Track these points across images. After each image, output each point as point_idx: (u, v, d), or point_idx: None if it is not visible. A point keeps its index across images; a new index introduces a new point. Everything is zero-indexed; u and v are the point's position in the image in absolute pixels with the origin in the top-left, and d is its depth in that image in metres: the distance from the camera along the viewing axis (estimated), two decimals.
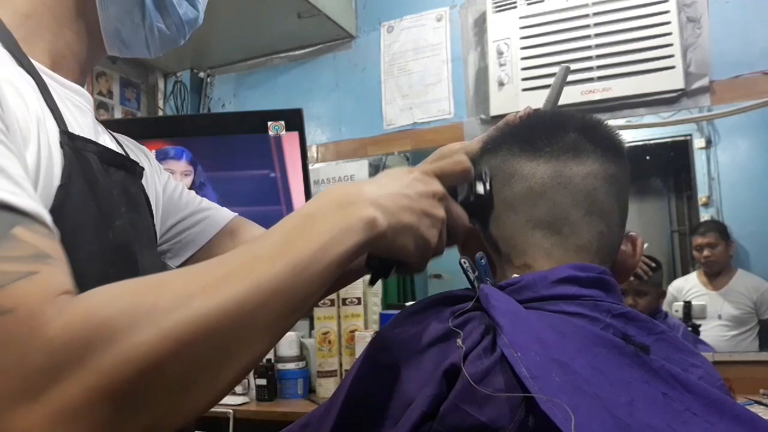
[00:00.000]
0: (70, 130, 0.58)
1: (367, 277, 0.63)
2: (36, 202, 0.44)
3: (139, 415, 0.38)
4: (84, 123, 0.63)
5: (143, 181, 0.73)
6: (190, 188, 0.87)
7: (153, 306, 0.39)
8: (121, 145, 0.73)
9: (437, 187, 0.56)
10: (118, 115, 2.24)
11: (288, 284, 0.44)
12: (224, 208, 0.87)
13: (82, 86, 0.67)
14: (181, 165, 1.96)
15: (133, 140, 0.80)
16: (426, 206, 0.54)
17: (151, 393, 0.38)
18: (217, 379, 0.42)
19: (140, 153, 0.79)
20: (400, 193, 0.52)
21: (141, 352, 0.37)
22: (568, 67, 0.87)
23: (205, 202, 0.85)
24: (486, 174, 0.64)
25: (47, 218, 0.44)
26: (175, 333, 0.38)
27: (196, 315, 0.40)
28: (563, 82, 0.86)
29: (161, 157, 1.97)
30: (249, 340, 0.43)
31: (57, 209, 0.53)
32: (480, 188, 0.63)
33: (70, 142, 0.57)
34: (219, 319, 0.40)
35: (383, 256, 0.55)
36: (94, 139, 0.63)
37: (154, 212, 0.75)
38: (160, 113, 2.44)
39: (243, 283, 0.42)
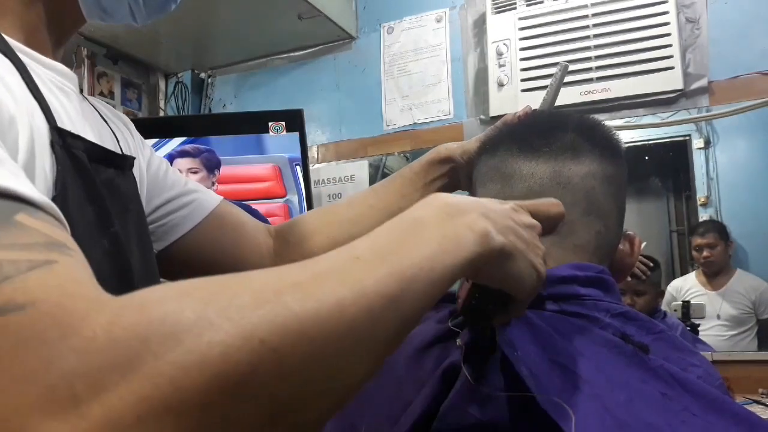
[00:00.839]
0: (59, 124, 0.53)
1: None
2: (41, 194, 0.37)
3: None
4: (71, 109, 0.58)
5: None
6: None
7: (230, 301, 0.30)
8: (105, 121, 0.69)
9: (535, 222, 0.50)
10: None
11: (395, 292, 0.35)
12: (210, 191, 0.82)
13: (62, 60, 0.61)
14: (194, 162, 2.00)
15: (112, 109, 0.75)
16: (530, 237, 0.47)
17: (226, 408, 0.28)
18: (312, 405, 0.32)
19: (122, 125, 0.73)
20: (506, 214, 0.46)
21: (216, 354, 0.28)
22: (566, 66, 0.87)
23: (192, 184, 0.80)
24: None
25: (56, 210, 0.37)
26: (260, 333, 0.29)
27: (288, 315, 0.30)
28: (561, 81, 0.86)
29: (179, 154, 2.01)
30: (351, 355, 0.33)
31: None
32: None
33: (61, 140, 0.52)
34: (316, 323, 0.31)
35: (491, 286, 0.47)
36: (81, 128, 0.58)
37: (141, 195, 0.70)
38: (162, 114, 2.45)
39: (343, 283, 0.34)
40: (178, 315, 0.29)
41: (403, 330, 0.37)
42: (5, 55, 0.51)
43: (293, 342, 0.30)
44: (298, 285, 0.32)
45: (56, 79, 0.58)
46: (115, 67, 2.27)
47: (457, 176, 0.83)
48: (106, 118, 0.69)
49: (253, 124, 2.00)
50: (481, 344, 0.51)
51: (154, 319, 0.29)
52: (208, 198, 0.80)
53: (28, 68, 0.53)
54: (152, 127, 2.10)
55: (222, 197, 0.82)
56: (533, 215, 0.50)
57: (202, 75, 2.50)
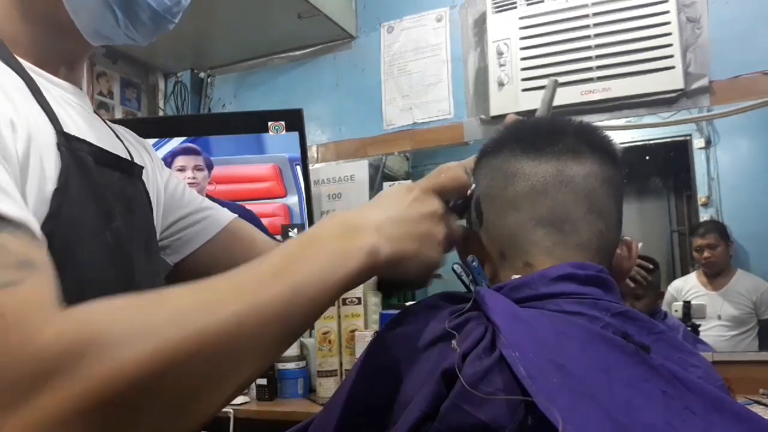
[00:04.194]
0: (66, 130, 0.57)
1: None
2: (23, 210, 0.43)
3: (125, 430, 0.37)
4: (80, 122, 0.62)
5: (144, 177, 0.72)
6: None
7: (148, 320, 0.39)
8: (120, 140, 0.72)
9: (437, 206, 0.57)
10: (118, 115, 2.24)
11: (286, 306, 0.43)
12: (225, 208, 0.86)
13: (76, 82, 0.66)
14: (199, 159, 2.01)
15: (133, 133, 0.79)
16: (427, 228, 0.55)
17: (139, 409, 0.38)
18: (209, 398, 0.41)
19: (141, 148, 0.78)
20: (402, 217, 0.53)
21: (132, 367, 0.36)
22: (556, 81, 0.87)
23: (207, 202, 0.85)
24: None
25: (34, 226, 0.44)
26: (168, 349, 0.38)
27: (192, 332, 0.39)
28: (553, 96, 0.86)
29: (184, 151, 2.01)
30: (244, 360, 0.42)
31: (55, 213, 0.52)
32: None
33: (67, 143, 0.56)
34: (215, 338, 0.40)
35: (385, 277, 0.55)
36: (90, 137, 0.62)
37: (154, 209, 0.75)
38: (161, 113, 2.44)
39: (241, 302, 0.42)
40: (106, 332, 0.37)
41: (292, 335, 0.45)
42: (17, 72, 0.56)
43: (197, 355, 0.39)
44: (203, 307, 0.41)
45: (66, 96, 0.63)
46: (115, 66, 2.27)
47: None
48: (120, 136, 0.73)
49: (253, 123, 2.00)
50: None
51: (87, 335, 0.37)
52: (221, 215, 0.84)
53: (40, 87, 0.57)
54: (151, 127, 2.10)
55: (236, 215, 0.86)
56: (439, 194, 0.58)
57: (202, 74, 2.50)
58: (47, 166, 0.53)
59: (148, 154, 0.79)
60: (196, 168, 1.99)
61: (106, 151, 0.64)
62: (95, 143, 0.62)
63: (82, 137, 0.59)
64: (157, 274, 0.72)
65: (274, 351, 0.45)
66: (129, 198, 0.66)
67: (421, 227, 0.54)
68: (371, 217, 0.51)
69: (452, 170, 0.61)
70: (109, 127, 0.72)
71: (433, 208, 0.56)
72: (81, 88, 0.68)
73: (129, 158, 0.70)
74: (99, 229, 0.58)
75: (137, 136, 0.80)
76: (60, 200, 0.53)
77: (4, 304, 0.37)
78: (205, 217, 0.82)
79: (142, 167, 0.72)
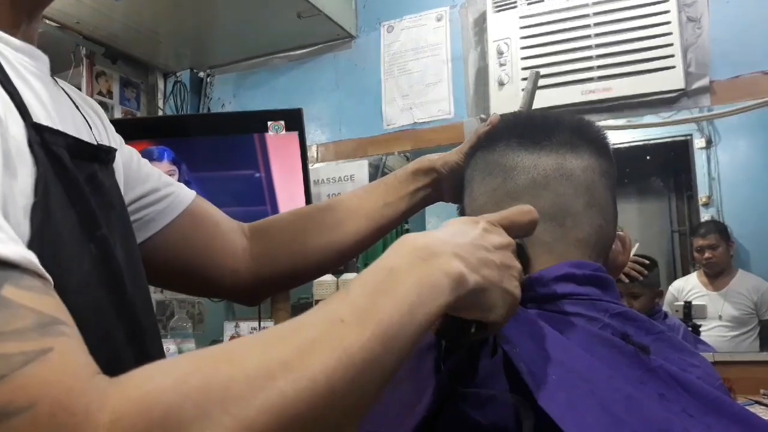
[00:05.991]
0: (35, 119, 0.46)
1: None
2: (17, 243, 0.35)
3: None
4: (46, 99, 0.51)
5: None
6: None
7: (225, 390, 0.31)
8: (80, 112, 0.61)
9: (508, 238, 0.50)
10: (117, 114, 2.24)
11: (379, 354, 0.37)
12: (183, 185, 0.77)
13: (32, 39, 0.54)
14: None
15: (83, 95, 0.67)
16: (503, 259, 0.48)
17: None
18: None
19: (93, 113, 0.66)
20: (476, 244, 0.46)
21: None
22: (538, 72, 0.88)
23: (165, 177, 0.75)
24: None
25: (37, 263, 0.35)
26: (258, 425, 0.31)
27: (280, 400, 0.32)
28: (535, 87, 0.87)
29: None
30: (338, 423, 0.35)
31: (37, 234, 0.42)
32: None
33: (39, 138, 0.45)
34: (309, 404, 0.33)
35: (464, 316, 0.47)
36: (58, 120, 0.51)
37: (123, 193, 0.65)
38: (160, 113, 2.44)
39: (330, 354, 0.35)
40: (178, 412, 0.30)
41: (384, 384, 0.39)
42: None
43: (288, 425, 0.32)
44: (288, 364, 0.33)
45: (28, 63, 0.51)
46: (114, 66, 2.27)
47: (439, 187, 0.83)
48: (78, 105, 0.62)
49: (252, 123, 1.99)
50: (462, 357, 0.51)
51: (155, 418, 0.29)
52: (183, 193, 0.75)
53: None
54: (151, 127, 2.09)
55: (195, 192, 0.77)
56: (507, 229, 0.51)
57: (201, 74, 2.50)
58: (21, 173, 0.42)
59: (99, 118, 0.67)
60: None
61: (80, 141, 0.54)
62: (66, 129, 0.51)
63: (54, 126, 0.49)
64: (140, 274, 0.61)
65: (365, 410, 0.38)
66: (107, 192, 0.57)
67: (497, 257, 0.47)
68: (445, 240, 0.44)
69: (521, 206, 0.54)
70: (65, 92, 0.60)
71: (506, 241, 0.49)
72: (35, 45, 0.54)
73: (93, 137, 0.60)
74: (83, 243, 0.49)
75: (83, 95, 0.67)
76: (41, 217, 0.43)
77: (33, 387, 0.29)
78: (167, 195, 0.73)
79: (116, 150, 0.62)
